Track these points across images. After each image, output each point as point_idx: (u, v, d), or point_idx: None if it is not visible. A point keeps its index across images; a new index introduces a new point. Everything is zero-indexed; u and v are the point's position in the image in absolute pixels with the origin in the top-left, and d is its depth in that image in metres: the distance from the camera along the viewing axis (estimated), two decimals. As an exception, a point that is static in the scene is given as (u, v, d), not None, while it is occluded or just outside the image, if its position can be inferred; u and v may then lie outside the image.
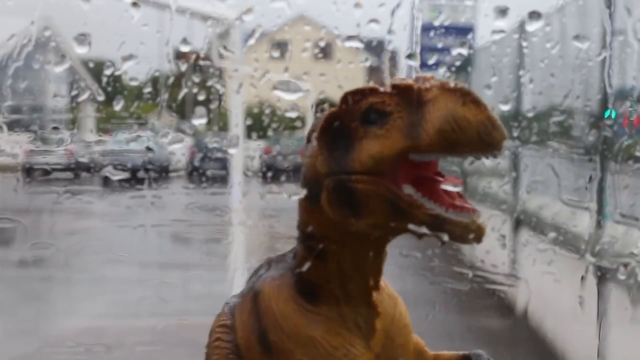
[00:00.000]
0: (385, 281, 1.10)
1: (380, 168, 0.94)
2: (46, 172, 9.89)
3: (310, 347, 1.03)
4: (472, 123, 0.90)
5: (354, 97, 0.97)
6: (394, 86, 0.96)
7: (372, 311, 1.05)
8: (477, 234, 0.93)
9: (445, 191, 0.96)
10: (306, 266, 1.04)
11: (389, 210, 0.95)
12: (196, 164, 12.43)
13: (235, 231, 4.09)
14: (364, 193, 0.95)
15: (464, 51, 7.58)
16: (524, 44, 5.64)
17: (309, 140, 1.05)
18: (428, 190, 0.94)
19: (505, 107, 6.03)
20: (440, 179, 0.97)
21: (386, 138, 0.94)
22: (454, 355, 1.14)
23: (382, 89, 0.97)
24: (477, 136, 0.90)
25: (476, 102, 0.91)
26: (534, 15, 1.45)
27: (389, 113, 0.95)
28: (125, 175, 7.63)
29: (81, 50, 1.42)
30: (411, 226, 0.95)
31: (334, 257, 1.02)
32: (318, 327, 1.03)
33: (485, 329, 4.84)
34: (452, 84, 0.93)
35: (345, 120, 0.98)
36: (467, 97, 0.91)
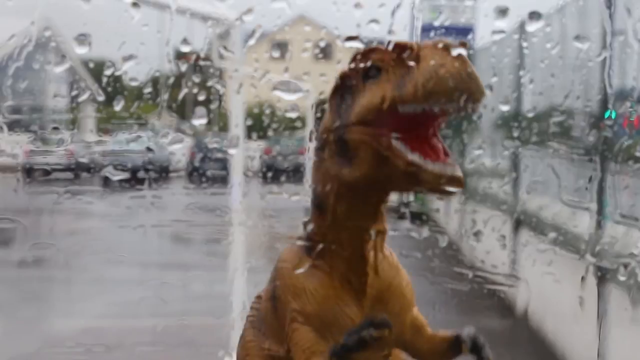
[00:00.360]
0: (391, 251, 1.14)
1: (370, 117, 1.00)
2: (46, 173, 9.89)
3: (302, 298, 1.09)
4: (451, 74, 0.95)
5: (360, 56, 1.04)
6: (394, 45, 1.02)
7: (364, 269, 1.08)
8: (450, 183, 0.98)
9: (432, 147, 1.00)
10: (311, 220, 1.11)
11: (374, 158, 1.00)
12: (196, 164, 12.43)
13: (235, 232, 4.08)
14: (355, 142, 1.01)
15: (464, 51, 7.54)
16: (524, 44, 5.64)
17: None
18: (415, 143, 0.99)
19: (506, 108, 6.04)
20: (435, 138, 1.02)
21: (377, 90, 1.00)
22: (447, 334, 1.18)
23: (383, 48, 1.03)
24: (455, 87, 0.94)
25: (457, 56, 0.96)
26: (534, 15, 1.45)
27: (386, 69, 1.01)
28: (125, 175, 7.62)
29: (81, 51, 1.42)
30: (393, 179, 1.00)
31: (330, 209, 1.07)
32: (313, 279, 1.09)
33: (486, 329, 4.82)
34: (441, 42, 0.98)
35: (352, 79, 1.05)
36: (451, 52, 0.96)
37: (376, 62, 1.02)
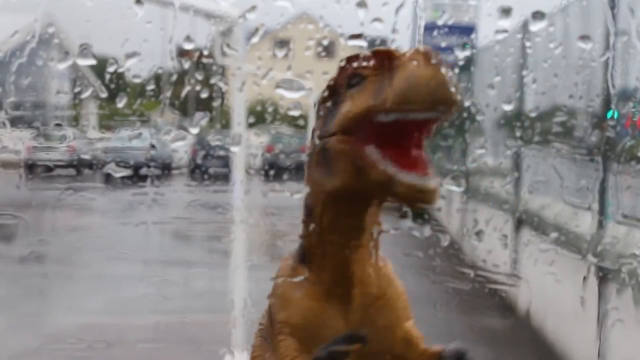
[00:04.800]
0: (388, 264, 1.12)
1: (349, 127, 0.99)
2: (48, 169, 9.91)
3: (288, 309, 1.09)
4: (423, 81, 0.93)
5: (345, 64, 1.03)
6: (374, 52, 1.01)
7: (349, 281, 1.07)
8: (425, 196, 0.95)
9: (412, 159, 0.98)
10: (302, 229, 1.09)
11: (352, 168, 0.99)
12: (198, 161, 12.45)
13: (237, 229, 4.09)
14: (334, 151, 1.00)
15: (467, 51, 7.54)
16: (528, 44, 5.64)
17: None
18: (394, 153, 0.97)
19: (508, 107, 6.04)
20: (417, 149, 0.99)
21: (357, 98, 0.99)
22: (436, 350, 1.14)
23: (366, 56, 1.01)
24: (426, 93, 0.92)
25: (432, 63, 0.94)
26: (538, 15, 1.45)
27: (366, 77, 1.00)
28: (127, 172, 7.62)
29: (85, 63, 1.42)
30: (373, 188, 0.98)
31: (317, 218, 1.06)
32: (300, 291, 1.09)
33: (487, 328, 4.84)
34: (421, 49, 0.96)
35: (338, 88, 1.04)
36: (427, 59, 0.95)
37: (358, 70, 1.01)
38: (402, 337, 1.12)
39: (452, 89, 0.93)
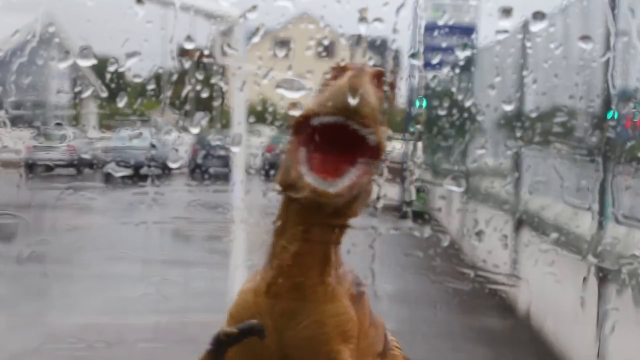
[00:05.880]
0: (343, 285, 1.14)
1: (296, 128, 1.08)
2: (49, 168, 9.90)
3: (235, 299, 1.17)
4: (337, 89, 1.02)
5: (326, 74, 1.12)
6: (335, 66, 1.09)
7: (284, 284, 1.11)
8: (323, 199, 1.01)
9: (329, 165, 1.04)
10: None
11: (287, 164, 1.08)
12: (199, 161, 12.43)
13: (236, 229, 4.09)
14: (285, 149, 1.10)
15: (467, 51, 7.54)
16: (528, 44, 5.64)
17: None
18: (316, 158, 1.04)
19: (509, 108, 6.04)
20: (347, 161, 1.04)
21: (308, 104, 1.09)
22: None
23: (337, 67, 1.10)
24: (334, 99, 1.01)
25: (354, 74, 1.02)
26: (538, 15, 1.45)
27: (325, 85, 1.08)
28: (127, 171, 7.63)
29: (86, 64, 1.42)
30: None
31: (276, 218, 1.14)
32: (249, 285, 1.17)
33: (487, 329, 4.84)
34: (361, 66, 1.04)
35: None
36: (354, 70, 1.03)
37: (325, 80, 1.09)
38: (326, 355, 1.13)
39: (360, 101, 1.00)
